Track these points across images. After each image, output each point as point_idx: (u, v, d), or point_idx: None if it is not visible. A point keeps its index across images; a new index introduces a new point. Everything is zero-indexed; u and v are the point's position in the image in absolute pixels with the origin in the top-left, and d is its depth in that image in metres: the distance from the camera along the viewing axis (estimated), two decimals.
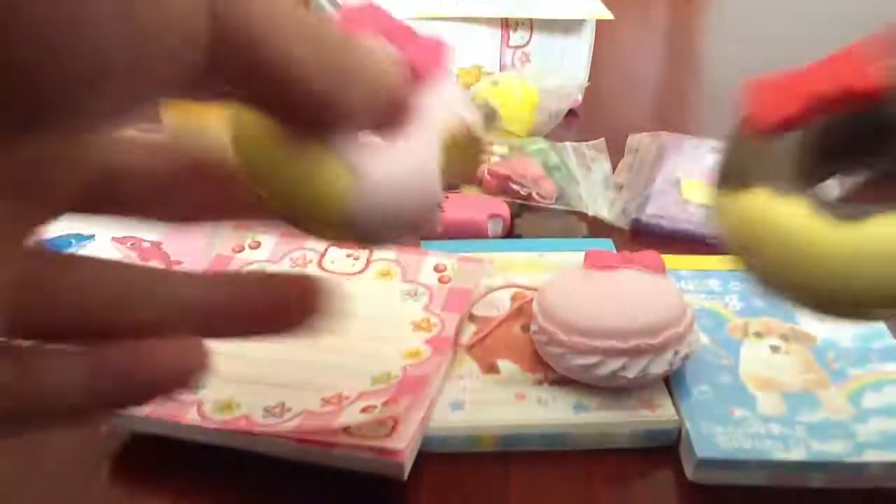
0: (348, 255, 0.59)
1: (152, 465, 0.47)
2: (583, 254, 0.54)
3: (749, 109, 0.32)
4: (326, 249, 0.60)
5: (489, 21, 0.80)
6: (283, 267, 0.58)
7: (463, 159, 0.34)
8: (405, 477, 0.44)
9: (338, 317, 0.50)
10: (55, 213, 0.24)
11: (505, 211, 0.64)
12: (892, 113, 0.29)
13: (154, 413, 0.46)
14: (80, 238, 0.58)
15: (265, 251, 0.59)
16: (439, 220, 0.32)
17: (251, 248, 0.60)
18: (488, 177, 0.67)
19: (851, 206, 0.28)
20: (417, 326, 0.53)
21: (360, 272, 0.58)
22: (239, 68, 0.20)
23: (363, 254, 0.59)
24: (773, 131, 0.31)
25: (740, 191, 0.31)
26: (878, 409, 0.48)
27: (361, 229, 0.30)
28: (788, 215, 0.29)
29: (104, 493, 0.46)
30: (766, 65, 1.03)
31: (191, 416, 0.46)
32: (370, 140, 0.29)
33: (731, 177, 0.32)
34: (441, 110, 0.31)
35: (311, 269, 0.58)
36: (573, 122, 0.86)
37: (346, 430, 0.44)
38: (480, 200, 0.65)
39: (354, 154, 0.28)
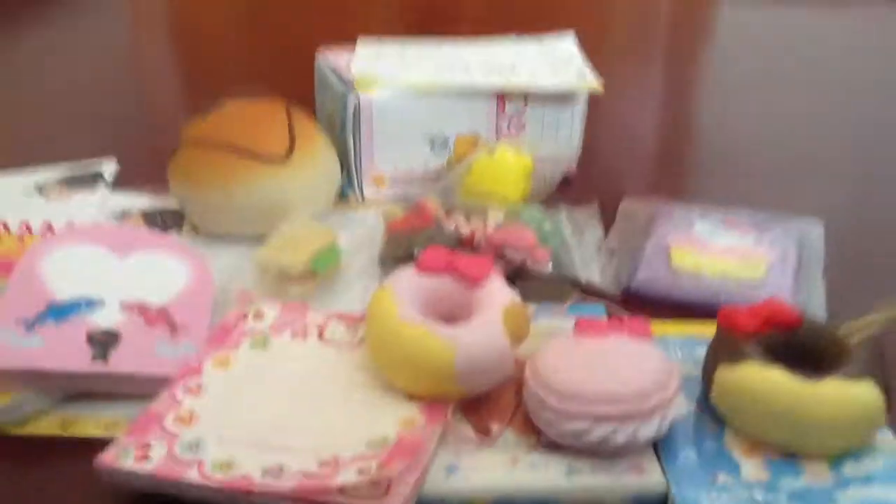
0: (348, 328, 0.61)
1: None
2: (574, 320, 0.56)
3: (729, 321, 0.55)
4: (327, 321, 0.62)
5: (485, 92, 0.83)
6: (285, 338, 0.60)
7: (516, 324, 0.55)
8: None
9: (336, 385, 0.56)
10: None
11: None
12: (804, 334, 0.55)
13: (157, 471, 0.48)
14: (90, 302, 0.60)
15: (268, 321, 0.61)
16: (512, 370, 0.55)
17: (255, 317, 0.62)
18: (484, 244, 0.69)
19: (807, 374, 0.50)
20: (413, 395, 0.54)
21: (359, 343, 0.60)
22: None
23: (362, 326, 0.61)
24: (744, 335, 0.54)
25: (738, 363, 0.52)
26: (858, 476, 0.50)
27: (463, 382, 0.53)
28: (774, 375, 0.51)
29: None
30: (754, 132, 1.06)
31: (191, 475, 0.47)
32: (459, 325, 0.54)
33: (727, 357, 0.53)
34: (496, 295, 0.56)
35: (312, 341, 0.60)
36: (567, 188, 0.88)
37: (342, 490, 0.45)
38: None
39: (451, 334, 0.53)
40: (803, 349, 0.54)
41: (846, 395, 0.49)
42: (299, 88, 0.93)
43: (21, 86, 1.14)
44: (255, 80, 1.18)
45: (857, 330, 0.60)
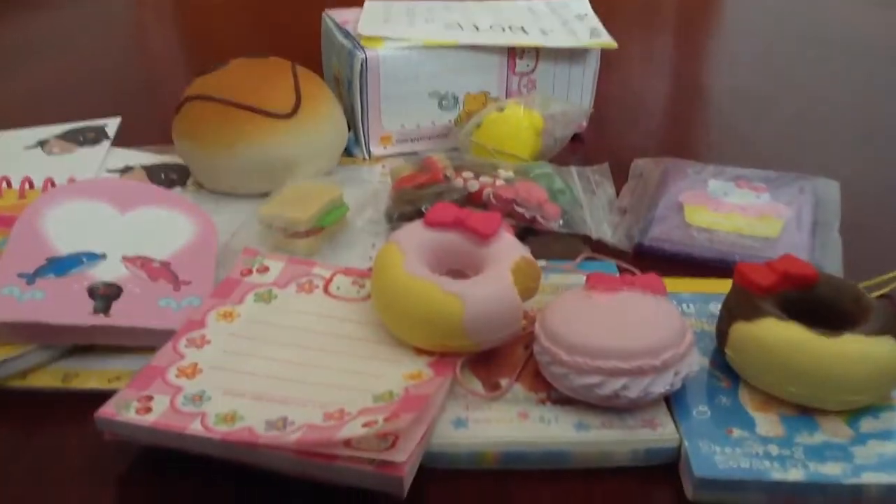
0: (354, 283, 0.60)
1: (157, 484, 0.48)
2: (585, 276, 0.55)
3: (745, 277, 0.53)
4: (333, 275, 0.61)
5: (495, 49, 0.81)
6: (290, 291, 0.59)
7: (526, 279, 0.54)
8: (405, 494, 0.44)
9: (342, 339, 0.55)
10: None
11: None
12: (822, 290, 0.53)
13: (158, 423, 0.47)
14: (92, 257, 0.59)
15: (273, 275, 0.60)
16: (522, 324, 0.54)
17: (259, 271, 0.61)
18: (494, 200, 0.67)
19: (825, 331, 0.49)
20: (420, 350, 0.53)
21: (364, 298, 0.59)
22: None
23: (368, 281, 0.59)
24: (761, 291, 0.52)
25: (754, 320, 0.50)
26: (875, 432, 0.48)
27: (472, 337, 0.51)
28: (792, 331, 0.49)
29: None
30: (766, 94, 1.04)
31: (194, 427, 0.46)
32: (467, 279, 0.53)
33: (743, 313, 0.51)
34: (505, 251, 0.55)
35: (318, 295, 0.59)
36: (578, 147, 0.87)
37: (347, 443, 0.44)
38: None
39: (459, 288, 0.51)
40: (820, 306, 0.53)
41: (865, 350, 0.48)
42: (305, 50, 0.91)
43: (30, 57, 1.13)
44: (261, 41, 1.17)
45: (876, 287, 0.59)
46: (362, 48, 0.79)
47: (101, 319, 0.55)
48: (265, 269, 0.61)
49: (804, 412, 0.50)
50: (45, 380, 0.54)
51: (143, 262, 0.60)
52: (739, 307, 0.52)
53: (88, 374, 0.55)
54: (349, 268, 0.62)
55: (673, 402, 0.51)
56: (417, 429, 0.46)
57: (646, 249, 0.68)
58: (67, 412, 0.52)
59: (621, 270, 0.63)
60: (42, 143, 0.81)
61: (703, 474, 0.45)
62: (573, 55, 0.84)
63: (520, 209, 0.67)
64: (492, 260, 0.55)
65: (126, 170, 0.77)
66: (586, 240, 0.68)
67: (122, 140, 0.82)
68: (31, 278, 0.57)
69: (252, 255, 0.62)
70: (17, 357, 0.54)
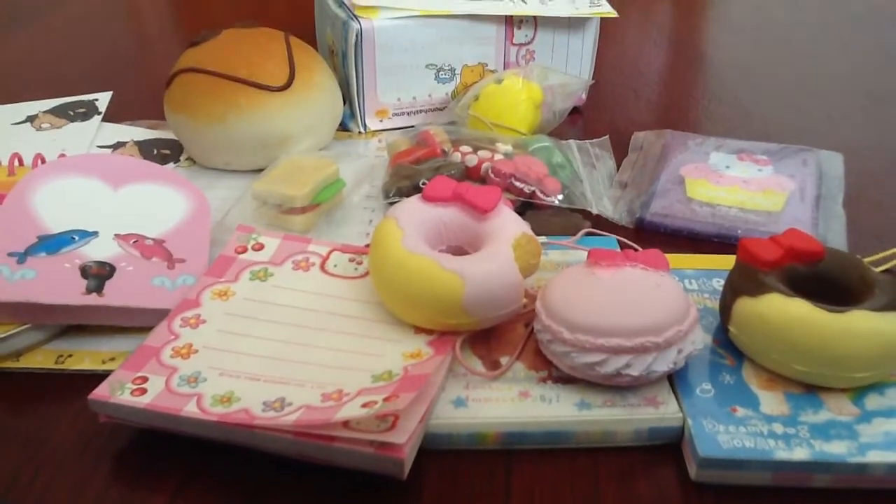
0: (351, 260, 0.59)
1: (152, 464, 0.47)
2: (586, 252, 0.54)
3: (749, 252, 0.52)
4: (330, 253, 0.60)
5: (493, 18, 0.80)
6: (286, 269, 0.58)
7: (527, 255, 0.53)
8: (405, 475, 0.44)
9: (339, 318, 0.54)
10: None
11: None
12: (827, 265, 0.52)
13: (153, 405, 0.46)
14: (84, 234, 0.58)
15: (268, 253, 0.59)
16: (522, 302, 0.53)
17: (254, 249, 0.59)
18: (492, 175, 0.66)
19: (831, 306, 0.48)
20: (419, 328, 0.53)
21: (362, 276, 0.58)
22: None
23: (365, 258, 0.58)
24: (765, 266, 0.51)
25: (759, 295, 0.49)
26: (881, 410, 0.48)
27: (472, 315, 0.50)
28: (797, 307, 0.48)
29: (105, 490, 0.46)
30: (768, 64, 1.02)
31: (189, 409, 0.46)
32: (467, 256, 0.52)
33: (747, 289, 0.50)
34: (505, 227, 0.53)
35: (314, 273, 0.58)
36: (577, 120, 0.85)
37: (346, 424, 0.44)
38: None
39: (459, 265, 0.50)
40: (826, 281, 0.52)
41: (872, 327, 0.47)
42: (298, 20, 0.89)
43: (15, 28, 1.11)
44: (252, 10, 1.15)
45: (881, 262, 0.58)
46: (357, 18, 0.77)
47: (94, 299, 0.54)
48: (260, 247, 0.60)
49: (809, 390, 0.49)
50: (39, 361, 0.53)
51: (136, 240, 0.59)
52: (743, 283, 0.51)
53: (82, 355, 0.54)
54: (346, 245, 0.61)
55: (676, 380, 0.50)
56: (417, 409, 0.45)
57: (647, 224, 0.67)
58: (61, 393, 0.51)
59: (622, 246, 0.62)
60: (31, 119, 0.79)
61: (707, 454, 0.45)
62: (572, 25, 0.83)
63: (519, 184, 0.66)
64: (492, 236, 0.53)
65: (118, 145, 0.76)
66: (586, 215, 0.67)
67: (113, 115, 0.81)
68: (21, 257, 0.56)
69: (247, 231, 0.61)
70: (8, 336, 0.53)
